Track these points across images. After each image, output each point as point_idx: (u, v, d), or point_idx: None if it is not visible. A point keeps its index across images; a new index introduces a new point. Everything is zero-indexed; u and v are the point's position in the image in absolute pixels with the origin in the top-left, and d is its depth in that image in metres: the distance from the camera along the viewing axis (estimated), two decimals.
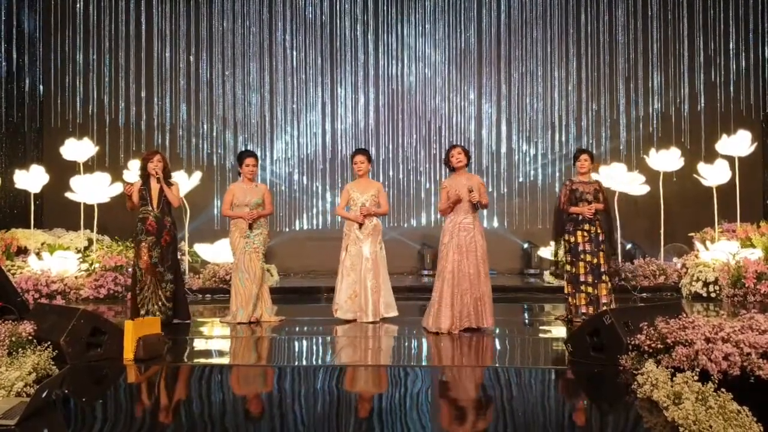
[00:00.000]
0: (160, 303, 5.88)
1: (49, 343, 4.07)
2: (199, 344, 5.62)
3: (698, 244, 8.77)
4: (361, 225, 6.23)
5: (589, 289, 5.98)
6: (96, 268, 8.46)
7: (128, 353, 4.44)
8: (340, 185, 11.32)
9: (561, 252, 6.26)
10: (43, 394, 3.27)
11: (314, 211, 11.52)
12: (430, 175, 11.45)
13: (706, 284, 7.75)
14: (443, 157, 6.07)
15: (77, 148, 9.37)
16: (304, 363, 5.04)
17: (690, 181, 9.36)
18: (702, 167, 9.06)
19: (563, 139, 11.36)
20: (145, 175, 6.01)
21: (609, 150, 11.22)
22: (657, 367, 3.64)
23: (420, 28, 11.53)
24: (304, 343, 5.68)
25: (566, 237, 6.12)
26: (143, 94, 11.53)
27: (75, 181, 9.13)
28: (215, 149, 11.52)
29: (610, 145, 11.30)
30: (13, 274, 7.80)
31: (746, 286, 7.38)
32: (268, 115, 11.55)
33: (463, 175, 5.82)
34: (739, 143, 8.95)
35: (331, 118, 11.53)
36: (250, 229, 6.16)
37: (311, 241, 11.06)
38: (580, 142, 11.20)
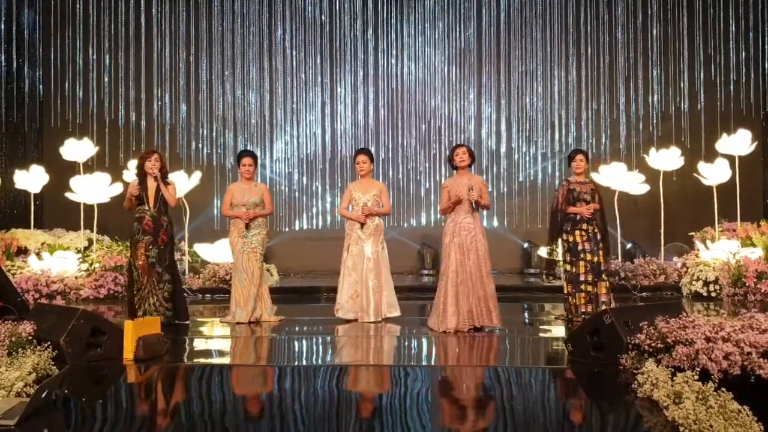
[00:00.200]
0: (158, 303, 5.83)
1: (49, 343, 4.07)
2: (199, 344, 5.62)
3: (698, 244, 8.77)
4: (362, 225, 6.23)
5: (589, 288, 5.98)
6: (96, 268, 8.46)
7: (128, 353, 4.43)
8: (339, 185, 11.33)
9: (559, 251, 6.26)
10: (43, 394, 3.26)
11: (314, 211, 11.52)
12: (430, 175, 11.45)
13: (706, 283, 7.74)
14: (447, 155, 6.09)
15: (77, 149, 9.37)
16: (304, 363, 5.03)
17: (690, 180, 9.36)
18: (702, 166, 9.06)
19: (563, 138, 11.36)
20: (141, 174, 5.98)
21: (609, 149, 11.23)
22: (657, 366, 3.64)
23: (420, 27, 11.54)
24: (304, 342, 5.67)
25: (564, 237, 6.12)
26: (143, 94, 11.54)
27: (75, 181, 9.12)
28: (215, 149, 11.52)
29: (609, 144, 11.30)
30: (13, 275, 7.80)
31: (746, 285, 7.37)
32: (268, 115, 11.56)
33: (464, 175, 5.84)
34: (739, 142, 8.94)
35: (330, 118, 11.53)
36: (246, 228, 6.15)
37: (311, 241, 11.06)
38: (580, 141, 11.21)
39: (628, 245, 9.84)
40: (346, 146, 11.44)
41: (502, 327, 5.63)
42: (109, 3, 11.50)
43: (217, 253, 9.10)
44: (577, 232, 6.05)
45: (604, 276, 6.06)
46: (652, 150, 9.40)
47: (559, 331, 5.78)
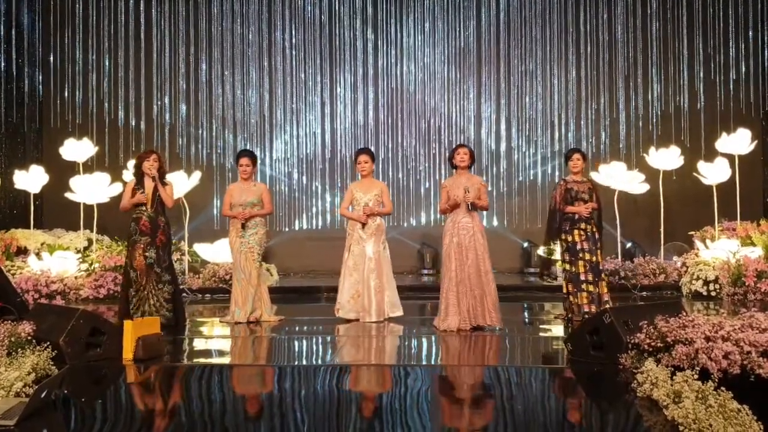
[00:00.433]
0: (158, 304, 5.79)
1: (48, 343, 4.06)
2: (198, 344, 5.62)
3: (698, 243, 8.76)
4: (364, 225, 6.22)
5: (590, 288, 5.98)
6: (95, 268, 8.46)
7: (127, 353, 4.43)
8: (339, 185, 11.33)
9: (558, 250, 6.26)
10: (43, 395, 3.26)
11: (314, 210, 11.52)
12: (430, 175, 11.45)
13: (706, 283, 7.74)
14: (448, 154, 6.10)
15: (77, 149, 9.37)
16: (304, 362, 5.03)
17: (690, 179, 9.35)
18: (702, 165, 9.06)
19: (563, 137, 11.35)
20: (139, 174, 5.97)
21: (609, 148, 11.23)
22: (657, 365, 3.64)
23: (419, 27, 11.53)
24: (304, 342, 5.67)
25: (563, 236, 6.12)
26: (142, 94, 11.53)
27: (74, 182, 9.12)
28: (214, 149, 11.52)
29: (609, 143, 11.30)
30: (13, 275, 7.80)
31: (746, 284, 7.38)
32: (268, 115, 11.56)
33: (463, 175, 5.84)
34: (739, 141, 8.94)
35: (330, 118, 11.53)
36: (243, 228, 6.14)
37: (311, 241, 11.06)
38: (579, 140, 11.20)
39: (628, 244, 9.83)
40: (345, 146, 11.43)
41: (501, 327, 5.63)
42: (109, 3, 11.49)
43: (216, 253, 9.10)
44: (576, 232, 6.05)
45: (603, 275, 6.08)
46: (652, 149, 9.40)
47: (558, 330, 5.79)
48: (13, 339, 4.04)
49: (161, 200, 5.93)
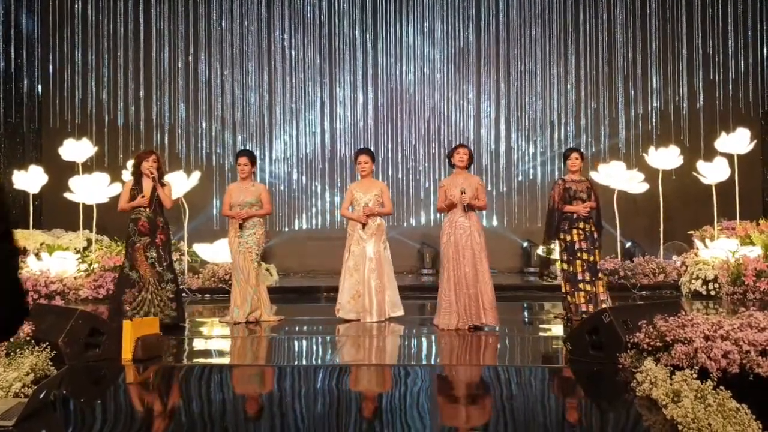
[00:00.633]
0: (162, 304, 5.77)
1: (47, 343, 4.06)
2: (198, 344, 5.62)
3: (698, 242, 8.77)
4: (364, 225, 6.21)
5: (588, 287, 5.98)
6: (95, 269, 8.46)
7: (127, 353, 4.43)
8: (339, 185, 11.33)
9: (556, 250, 6.26)
10: (41, 395, 3.26)
11: (313, 210, 11.52)
12: (430, 174, 11.45)
13: (705, 282, 7.74)
14: (448, 152, 6.10)
15: (76, 149, 9.36)
16: (304, 362, 5.03)
17: (689, 179, 9.35)
18: (701, 165, 9.05)
19: (562, 137, 11.35)
20: (137, 174, 5.96)
21: (608, 148, 11.22)
22: (656, 365, 3.64)
23: (419, 26, 11.53)
24: (304, 342, 5.67)
25: (562, 236, 6.11)
26: (142, 94, 11.53)
27: (74, 182, 9.11)
28: (214, 149, 11.52)
29: (609, 143, 11.29)
30: None
31: (746, 283, 7.38)
32: (267, 115, 11.55)
33: (461, 175, 5.84)
34: (738, 141, 8.94)
35: (330, 118, 11.53)
36: (241, 228, 6.14)
37: (311, 241, 11.05)
38: (579, 140, 11.20)
39: (628, 244, 9.83)
40: (345, 146, 11.43)
41: (499, 326, 5.63)
42: (108, 3, 11.49)
43: (216, 253, 9.10)
44: (574, 231, 6.04)
45: (600, 275, 6.07)
46: (652, 149, 9.39)
47: (558, 330, 5.79)
48: (11, 339, 4.04)
49: (160, 200, 5.92)
